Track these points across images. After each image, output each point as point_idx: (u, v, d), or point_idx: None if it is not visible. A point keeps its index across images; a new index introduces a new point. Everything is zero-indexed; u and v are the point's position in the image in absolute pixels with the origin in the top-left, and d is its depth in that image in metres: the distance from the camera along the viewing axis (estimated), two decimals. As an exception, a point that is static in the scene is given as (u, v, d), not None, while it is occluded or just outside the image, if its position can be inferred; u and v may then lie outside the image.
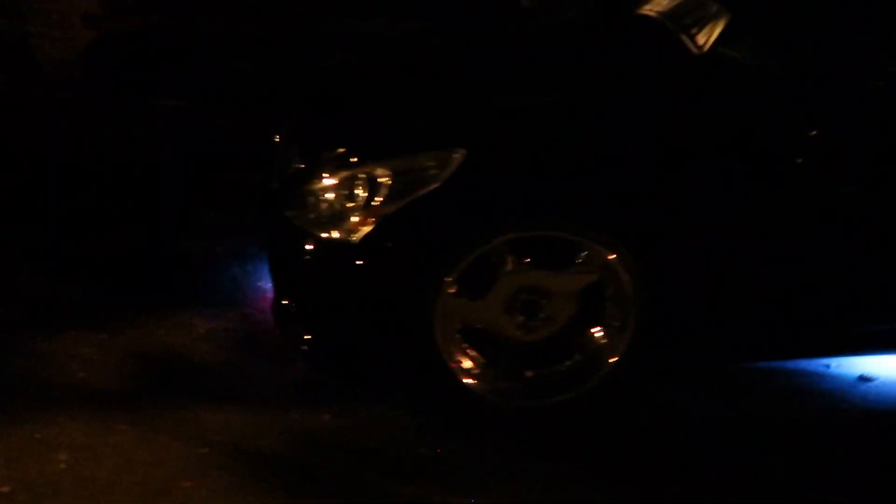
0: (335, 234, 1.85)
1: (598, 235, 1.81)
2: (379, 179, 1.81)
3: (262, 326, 2.30)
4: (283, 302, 2.03)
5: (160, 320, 2.34)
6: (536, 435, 1.89)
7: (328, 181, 1.90)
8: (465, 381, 1.89)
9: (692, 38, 2.15)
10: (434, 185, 1.77)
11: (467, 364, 1.90)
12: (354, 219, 1.83)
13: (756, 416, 2.01)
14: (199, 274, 2.65)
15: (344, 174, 1.88)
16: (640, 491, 1.73)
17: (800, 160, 1.88)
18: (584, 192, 1.82)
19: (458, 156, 1.77)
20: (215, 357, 2.21)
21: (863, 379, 2.16)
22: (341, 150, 1.95)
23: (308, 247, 1.89)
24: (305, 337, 1.98)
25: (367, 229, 1.80)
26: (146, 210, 3.02)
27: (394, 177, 1.80)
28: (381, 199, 1.80)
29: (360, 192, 1.84)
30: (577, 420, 1.93)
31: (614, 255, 1.80)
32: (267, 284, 2.32)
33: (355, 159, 1.88)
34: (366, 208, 1.82)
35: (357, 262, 1.83)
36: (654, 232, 1.82)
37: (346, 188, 1.87)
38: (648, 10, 2.51)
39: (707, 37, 2.12)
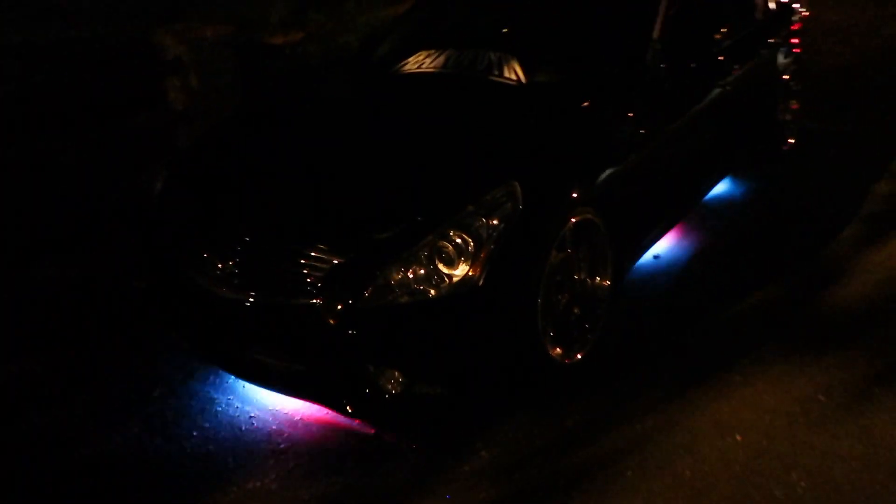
0: (453, 290, 2.10)
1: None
2: (476, 229, 2.14)
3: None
4: (392, 388, 2.16)
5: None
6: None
7: (419, 253, 2.12)
8: (551, 353, 2.40)
9: (503, 77, 3.00)
10: (516, 215, 2.21)
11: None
12: (465, 268, 2.12)
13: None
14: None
15: (429, 239, 2.13)
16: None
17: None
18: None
19: (517, 185, 2.24)
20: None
21: (655, 257, 3.43)
22: (400, 225, 2.17)
23: (425, 311, 2.10)
24: (432, 395, 2.18)
25: (485, 270, 2.13)
26: None
27: (486, 222, 2.16)
28: (484, 242, 2.14)
29: (458, 248, 2.13)
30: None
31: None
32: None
33: (430, 224, 2.15)
34: (475, 256, 2.13)
35: (484, 299, 2.13)
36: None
37: (437, 251, 2.13)
38: (416, 69, 3.22)
39: (516, 74, 3.00)
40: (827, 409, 2.30)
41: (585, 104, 2.79)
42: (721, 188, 3.91)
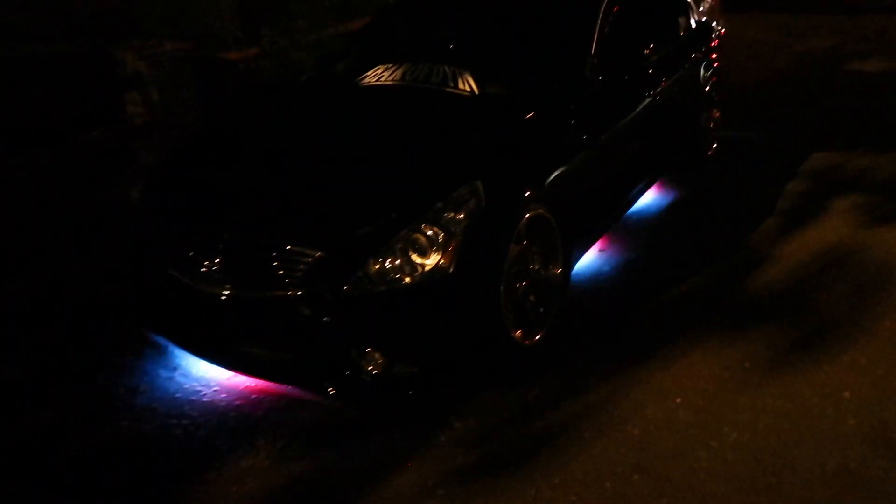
0: (426, 278, 2.34)
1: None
2: (445, 223, 2.40)
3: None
4: (373, 369, 2.38)
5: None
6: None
7: (395, 245, 2.35)
8: (513, 334, 2.66)
9: (457, 88, 3.27)
10: (480, 210, 2.47)
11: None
12: (436, 258, 2.37)
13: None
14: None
15: (404, 233, 2.37)
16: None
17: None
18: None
19: (479, 184, 2.51)
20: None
21: (601, 250, 3.76)
22: (377, 221, 2.41)
23: (402, 297, 2.33)
24: (409, 374, 2.42)
25: (454, 259, 2.38)
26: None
27: (454, 217, 2.41)
28: (453, 234, 2.40)
29: (430, 239, 2.37)
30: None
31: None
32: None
33: (404, 219, 2.39)
34: (445, 246, 2.38)
35: (454, 285, 2.38)
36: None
37: (411, 244, 2.37)
38: (376, 82, 3.47)
39: (469, 86, 3.28)
40: (752, 374, 2.64)
41: (533, 113, 3.09)
42: (652, 191, 4.30)
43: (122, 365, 2.84)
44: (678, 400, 2.51)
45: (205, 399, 2.63)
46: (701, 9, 6.32)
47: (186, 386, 2.71)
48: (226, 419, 2.52)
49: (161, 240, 2.68)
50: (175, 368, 2.80)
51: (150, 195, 2.88)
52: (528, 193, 2.75)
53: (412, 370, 2.47)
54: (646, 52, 3.80)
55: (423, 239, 2.39)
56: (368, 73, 3.57)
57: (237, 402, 2.61)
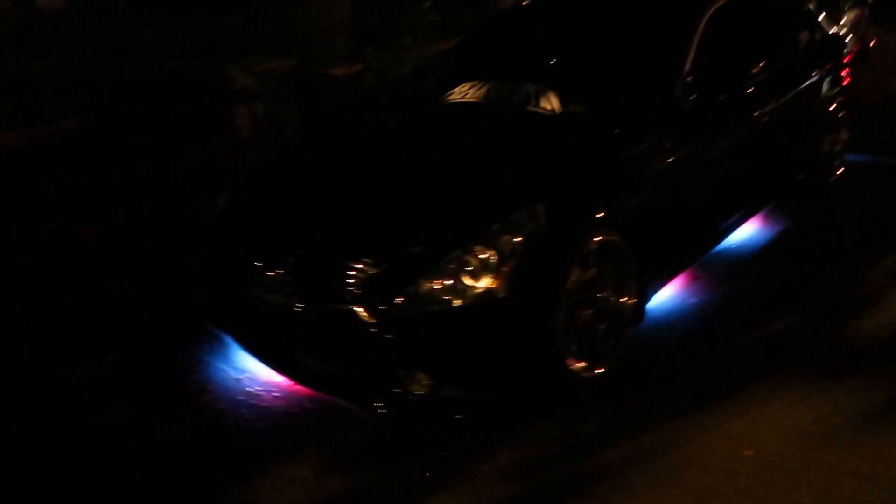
0: (477, 301, 2.29)
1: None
2: (500, 246, 2.33)
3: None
4: (419, 390, 2.35)
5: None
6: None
7: (446, 266, 2.32)
8: (572, 365, 2.54)
9: (539, 107, 3.19)
10: (539, 234, 2.38)
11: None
12: (488, 281, 2.31)
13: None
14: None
15: (458, 253, 2.33)
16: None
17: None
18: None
19: (541, 206, 2.42)
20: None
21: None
22: (431, 241, 2.38)
23: (451, 319, 2.29)
24: (457, 398, 2.36)
25: (506, 283, 2.30)
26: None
27: (510, 240, 2.35)
28: (507, 258, 2.33)
29: (482, 262, 2.32)
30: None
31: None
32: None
33: (459, 239, 2.35)
34: (498, 270, 2.31)
35: (505, 310, 2.31)
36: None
37: (465, 264, 2.32)
38: (461, 99, 3.45)
39: (551, 105, 3.19)
40: (842, 430, 2.35)
41: (614, 133, 2.95)
42: (754, 222, 3.97)
43: (195, 363, 2.99)
44: (749, 452, 2.28)
45: (263, 403, 2.70)
46: (843, 20, 5.81)
47: (250, 389, 2.79)
48: (280, 425, 2.58)
49: (238, 249, 2.80)
50: (243, 371, 2.90)
51: (232, 206, 3.02)
52: (598, 217, 2.62)
53: (458, 394, 2.41)
54: (754, 70, 3.54)
55: (475, 261, 2.33)
56: (455, 90, 3.56)
57: (294, 411, 2.66)
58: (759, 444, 2.32)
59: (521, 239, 2.37)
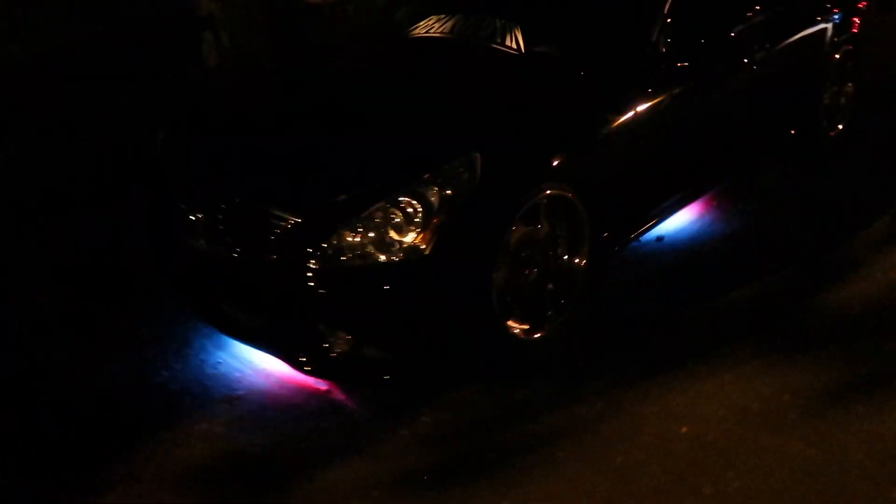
0: (401, 257, 2.12)
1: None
2: (428, 197, 2.14)
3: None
4: (340, 347, 2.20)
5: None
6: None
7: (370, 217, 2.14)
8: (511, 327, 2.38)
9: (503, 45, 2.94)
10: (473, 186, 2.19)
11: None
12: (414, 236, 2.13)
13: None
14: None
15: (381, 204, 2.14)
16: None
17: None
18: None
19: (477, 156, 2.22)
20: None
21: (658, 239, 3.31)
22: (357, 189, 2.20)
23: (373, 275, 2.13)
24: (381, 358, 2.22)
25: (433, 239, 2.13)
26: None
27: (439, 192, 2.15)
28: (435, 211, 2.14)
29: (408, 215, 2.14)
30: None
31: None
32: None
33: (386, 189, 2.16)
34: (424, 224, 2.13)
35: (431, 268, 2.14)
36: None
37: (389, 216, 2.14)
38: (424, 34, 3.19)
39: (516, 43, 2.94)
40: (788, 410, 2.19)
41: (579, 77, 2.71)
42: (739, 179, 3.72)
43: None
44: (684, 430, 2.13)
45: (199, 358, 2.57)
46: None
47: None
48: (205, 379, 2.46)
49: (169, 191, 2.63)
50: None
51: (168, 143, 2.84)
52: (548, 170, 2.42)
53: (382, 355, 2.27)
54: (748, 13, 3.24)
55: (400, 214, 2.15)
56: (421, 24, 3.30)
57: (226, 365, 2.54)
58: (698, 420, 2.17)
59: (451, 191, 2.18)
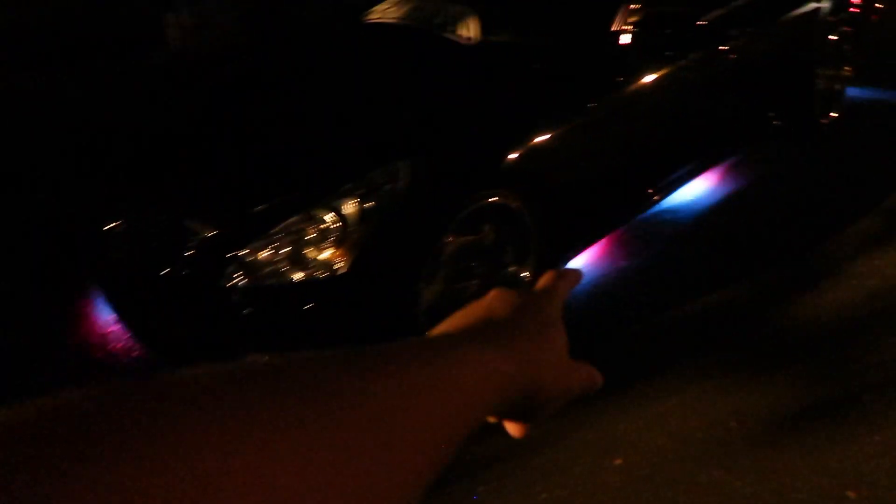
0: (318, 274, 1.97)
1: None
2: (344, 211, 1.99)
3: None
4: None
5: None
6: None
7: (284, 232, 1.99)
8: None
9: (456, 33, 2.75)
10: (398, 197, 2.03)
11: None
12: (330, 251, 1.98)
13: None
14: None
15: (296, 219, 1.99)
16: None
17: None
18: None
19: (403, 164, 2.06)
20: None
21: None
22: (273, 201, 2.05)
23: (288, 295, 1.98)
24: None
25: (352, 254, 1.98)
26: None
27: (359, 204, 2.00)
28: (355, 225, 1.99)
29: (322, 231, 1.99)
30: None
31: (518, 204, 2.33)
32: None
33: (303, 201, 2.01)
34: (341, 239, 1.98)
35: (349, 285, 2.00)
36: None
37: (304, 231, 1.99)
38: (378, 19, 3.01)
39: (470, 32, 2.74)
40: (733, 440, 2.04)
41: (532, 69, 2.52)
42: (718, 174, 3.51)
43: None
44: (617, 461, 1.99)
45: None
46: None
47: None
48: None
49: (90, 194, 2.50)
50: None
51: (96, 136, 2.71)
52: (489, 176, 2.25)
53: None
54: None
55: (316, 228, 2.00)
56: (378, 7, 3.12)
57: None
58: (636, 450, 2.02)
59: (373, 203, 2.02)
